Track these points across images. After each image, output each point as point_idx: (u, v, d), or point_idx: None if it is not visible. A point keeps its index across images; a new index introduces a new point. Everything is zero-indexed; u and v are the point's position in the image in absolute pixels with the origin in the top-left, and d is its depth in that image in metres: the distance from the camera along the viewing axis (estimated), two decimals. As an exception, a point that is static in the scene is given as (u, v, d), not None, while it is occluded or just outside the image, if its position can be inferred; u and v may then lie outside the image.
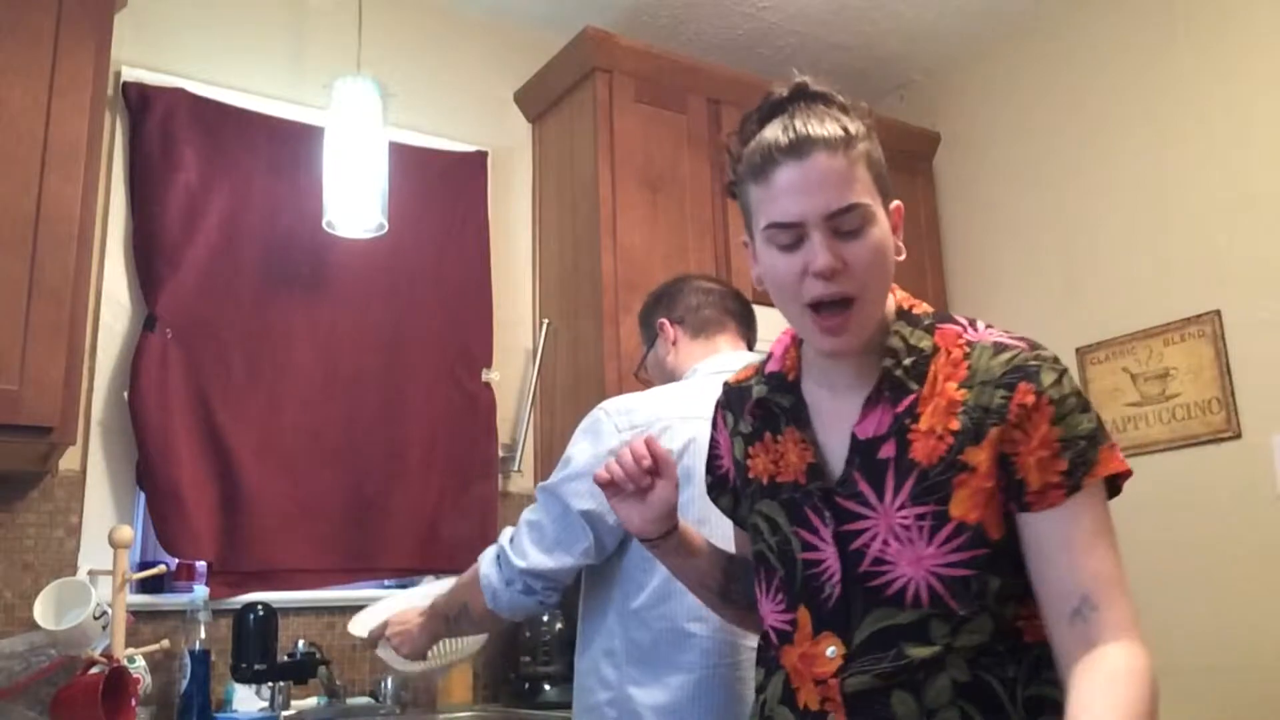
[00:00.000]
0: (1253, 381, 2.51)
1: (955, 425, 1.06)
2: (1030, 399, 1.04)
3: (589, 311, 2.64)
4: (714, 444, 1.31)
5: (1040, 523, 1.04)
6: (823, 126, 1.06)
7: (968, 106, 3.33)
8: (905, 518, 1.06)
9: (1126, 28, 2.89)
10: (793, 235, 1.06)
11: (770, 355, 1.25)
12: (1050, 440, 1.03)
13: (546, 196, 2.93)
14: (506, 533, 1.60)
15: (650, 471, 1.17)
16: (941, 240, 3.34)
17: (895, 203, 1.12)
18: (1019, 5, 3.08)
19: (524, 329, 2.88)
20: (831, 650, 1.08)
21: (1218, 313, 2.59)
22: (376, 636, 1.76)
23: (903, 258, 1.12)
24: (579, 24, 2.77)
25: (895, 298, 1.16)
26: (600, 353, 2.56)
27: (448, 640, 1.81)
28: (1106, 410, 2.78)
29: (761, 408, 1.21)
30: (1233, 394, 2.54)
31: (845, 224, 1.05)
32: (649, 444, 1.18)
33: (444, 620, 1.69)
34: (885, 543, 1.07)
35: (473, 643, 1.89)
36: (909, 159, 3.29)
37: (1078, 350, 2.88)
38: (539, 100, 2.96)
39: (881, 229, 1.08)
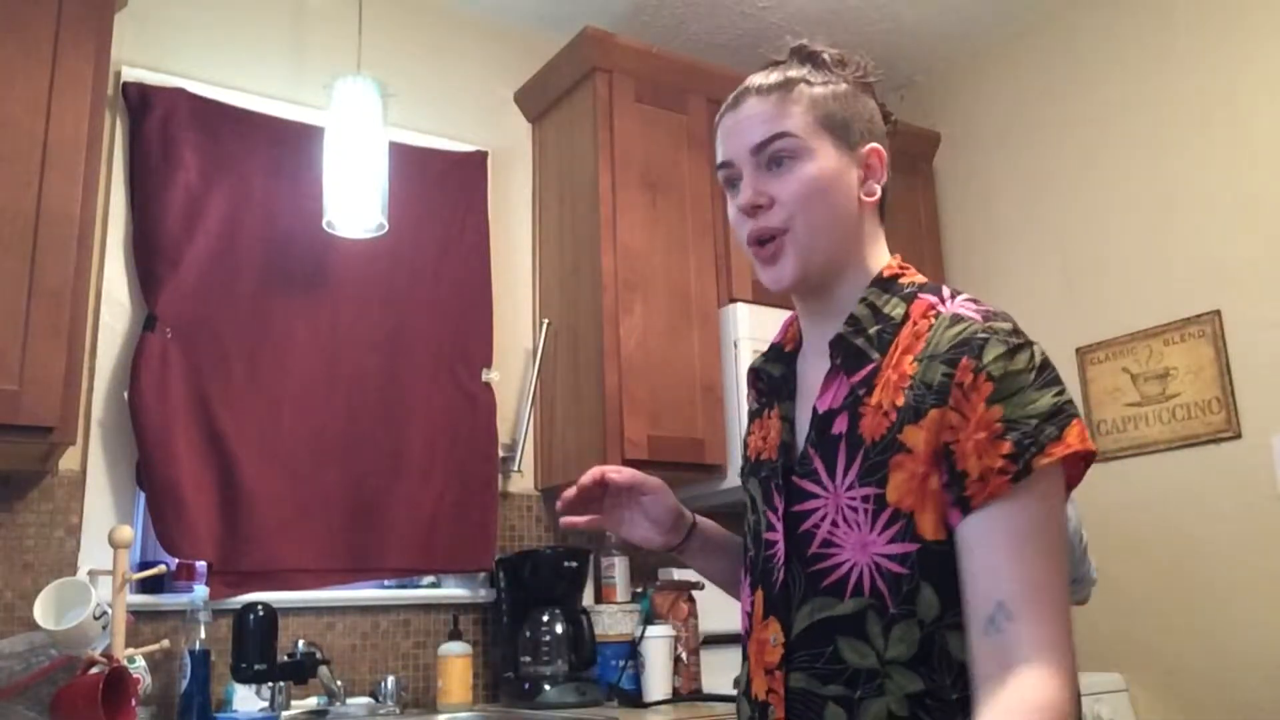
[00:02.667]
0: (1253, 381, 2.51)
1: (900, 401, 0.99)
2: (968, 377, 0.95)
3: (589, 311, 2.63)
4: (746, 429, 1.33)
5: (969, 516, 0.93)
6: (766, 78, 1.10)
7: (968, 106, 3.33)
8: (853, 499, 1.00)
9: (1126, 28, 2.89)
10: (730, 177, 1.10)
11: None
12: (989, 421, 0.93)
13: (546, 196, 2.93)
14: None
15: (628, 489, 1.21)
16: (941, 240, 3.34)
17: (870, 145, 1.10)
18: (1019, 5, 3.08)
19: (524, 329, 2.88)
20: (774, 637, 1.04)
21: (1218, 313, 2.59)
22: None
23: (873, 199, 1.10)
24: (579, 24, 2.78)
25: (882, 264, 1.11)
26: (600, 353, 2.56)
27: None
28: (1106, 410, 2.78)
29: (757, 378, 1.20)
30: (1233, 394, 2.54)
31: (769, 155, 1.06)
32: (622, 472, 1.22)
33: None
34: (834, 524, 1.01)
35: None
36: (909, 159, 3.29)
37: (1078, 350, 2.88)
38: (539, 100, 2.96)
39: (821, 164, 1.06)
